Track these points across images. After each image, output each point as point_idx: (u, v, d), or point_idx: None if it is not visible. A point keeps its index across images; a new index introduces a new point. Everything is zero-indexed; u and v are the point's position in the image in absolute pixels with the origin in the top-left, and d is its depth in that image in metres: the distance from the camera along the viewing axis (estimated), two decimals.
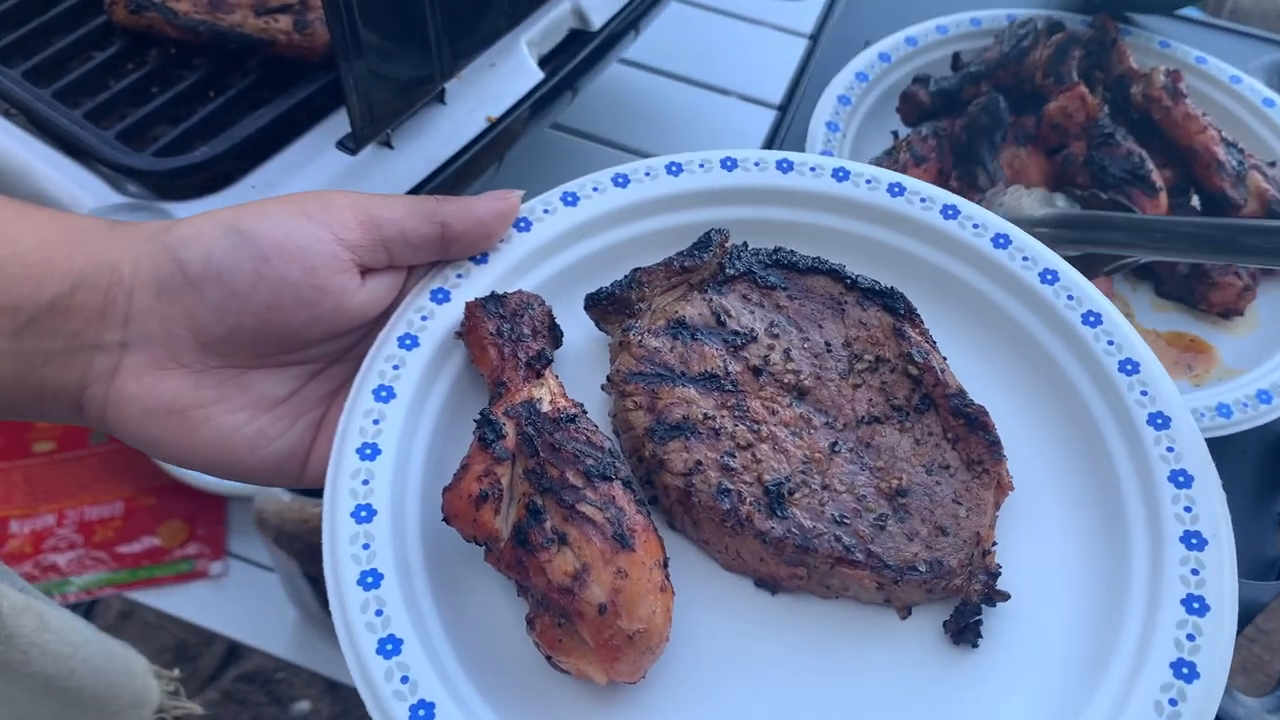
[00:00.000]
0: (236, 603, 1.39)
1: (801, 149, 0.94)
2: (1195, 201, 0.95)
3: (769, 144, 1.02)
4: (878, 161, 0.94)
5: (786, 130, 1.01)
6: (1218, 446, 0.60)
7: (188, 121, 0.74)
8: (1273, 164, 0.99)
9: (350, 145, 0.68)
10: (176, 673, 0.80)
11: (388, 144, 0.70)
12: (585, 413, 0.53)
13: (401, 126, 0.70)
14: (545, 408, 0.51)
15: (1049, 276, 0.58)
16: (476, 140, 0.74)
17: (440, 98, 0.72)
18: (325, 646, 1.34)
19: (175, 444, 0.51)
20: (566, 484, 0.48)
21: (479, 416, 0.52)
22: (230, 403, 0.52)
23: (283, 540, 1.18)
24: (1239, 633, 0.66)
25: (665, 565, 0.49)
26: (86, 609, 1.45)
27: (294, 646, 1.37)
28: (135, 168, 0.69)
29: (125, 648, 0.75)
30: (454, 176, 0.73)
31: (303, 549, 1.18)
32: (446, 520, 0.49)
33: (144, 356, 0.50)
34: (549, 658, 0.47)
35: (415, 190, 0.71)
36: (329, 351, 0.55)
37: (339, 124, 0.72)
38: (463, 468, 0.50)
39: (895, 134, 0.99)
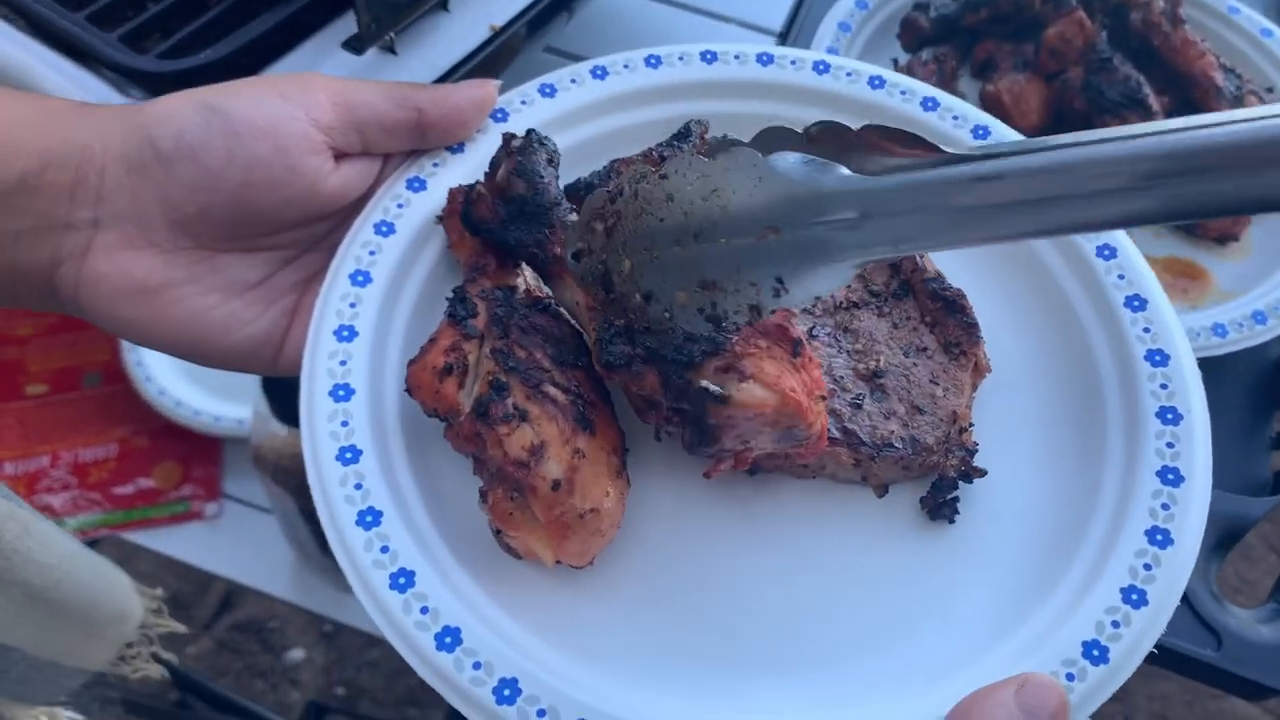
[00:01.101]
0: (232, 544, 1.39)
1: (831, 3, 0.93)
2: None
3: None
4: None
5: None
6: (1213, 368, 0.60)
7: (193, 24, 0.72)
8: (1270, 90, 0.99)
9: (355, 46, 0.67)
10: (160, 591, 0.79)
11: (391, 49, 0.69)
12: (556, 303, 0.53)
13: (405, 32, 0.69)
14: (519, 295, 0.51)
15: None
16: (479, 50, 0.72)
17: (444, 4, 0.71)
18: (323, 587, 1.35)
19: (147, 323, 0.51)
20: (533, 365, 0.48)
21: (452, 293, 0.52)
22: (202, 284, 0.52)
23: (280, 476, 1.18)
24: (1229, 549, 0.67)
25: (624, 454, 0.49)
26: None
27: (290, 587, 1.37)
28: (139, 70, 0.67)
29: (108, 563, 0.75)
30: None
31: (299, 485, 1.18)
32: (409, 391, 0.49)
33: (115, 235, 0.50)
34: (498, 532, 0.47)
35: None
36: (302, 238, 0.55)
37: (344, 28, 0.71)
38: (430, 341, 0.50)
39: (895, 61, 0.98)
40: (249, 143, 0.50)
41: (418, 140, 0.56)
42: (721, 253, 0.43)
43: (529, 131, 0.53)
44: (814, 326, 0.54)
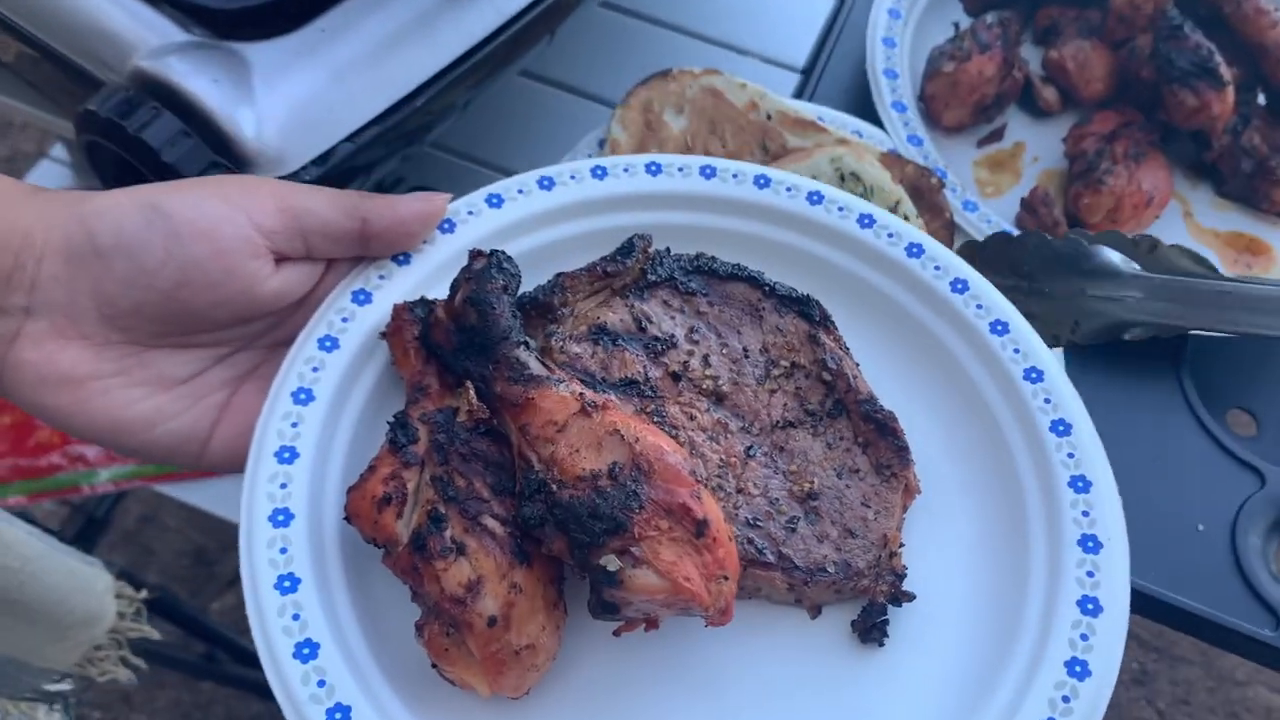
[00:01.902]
0: None
1: (862, 36, 0.94)
2: (1261, 99, 0.94)
3: (828, 29, 1.00)
4: (941, 50, 0.93)
5: (846, 16, 1.00)
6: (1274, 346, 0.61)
7: None
8: None
9: None
10: (142, 594, 0.78)
11: None
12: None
13: None
14: (462, 416, 0.52)
15: (959, 286, 0.60)
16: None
17: None
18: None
19: (68, 414, 0.51)
20: (472, 495, 0.49)
21: (393, 419, 0.52)
22: (128, 377, 0.52)
23: None
24: None
25: (561, 583, 0.49)
26: (108, 510, 1.42)
27: None
28: (203, 5, 0.66)
29: (88, 564, 0.74)
30: (510, 43, 0.71)
31: None
32: (348, 519, 0.49)
33: (46, 324, 0.50)
34: (435, 665, 0.48)
35: (482, 44, 0.69)
36: (237, 336, 0.55)
37: None
38: (370, 468, 0.50)
39: (956, 25, 0.97)
40: (188, 243, 0.51)
41: (362, 249, 0.57)
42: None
43: (492, 254, 0.54)
44: (751, 446, 0.55)
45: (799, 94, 0.95)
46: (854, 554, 0.52)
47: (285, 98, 0.62)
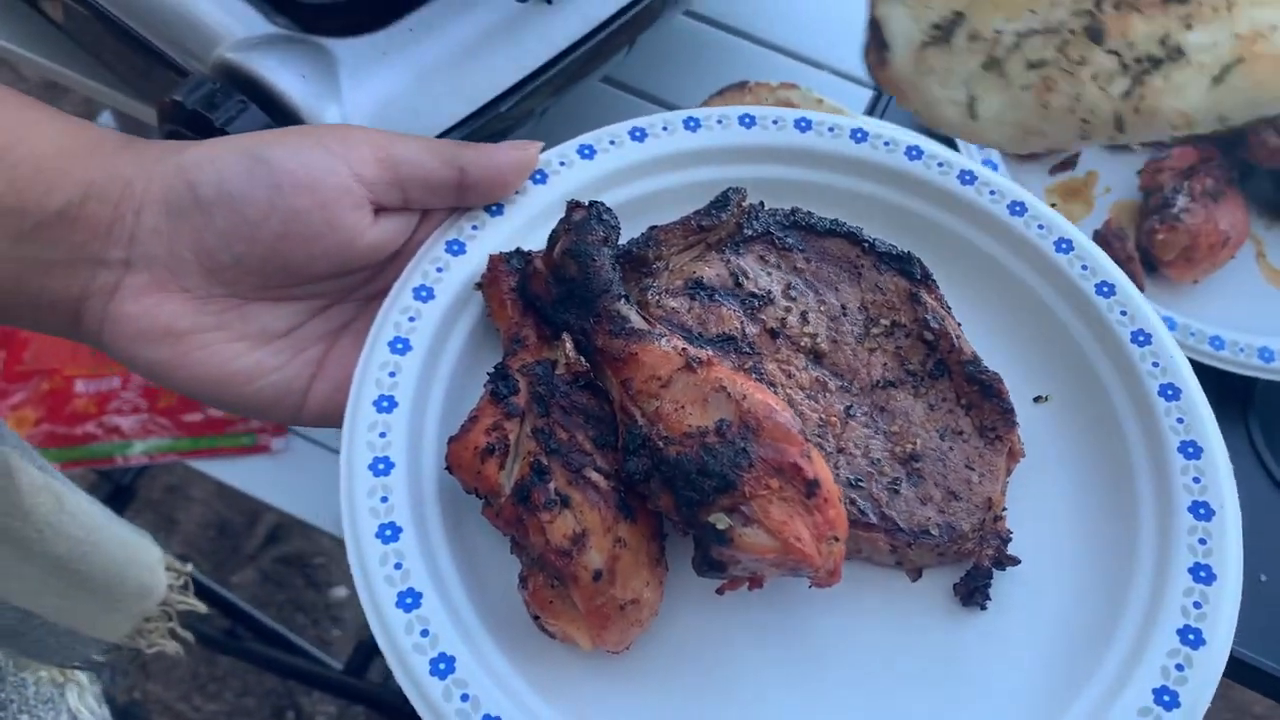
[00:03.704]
0: (293, 477, 1.38)
1: None
2: None
3: None
4: None
5: None
6: None
7: None
8: None
9: None
10: (189, 568, 0.79)
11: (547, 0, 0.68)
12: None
13: None
14: (560, 370, 0.51)
15: (1064, 245, 0.58)
16: (629, 6, 0.71)
17: None
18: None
19: (169, 368, 0.51)
20: (575, 447, 0.48)
21: (493, 370, 0.52)
22: (229, 331, 0.52)
23: None
24: None
25: (663, 539, 0.49)
26: (134, 478, 1.43)
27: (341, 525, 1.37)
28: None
29: (141, 536, 0.74)
30: (593, 51, 0.70)
31: None
32: (449, 469, 0.49)
33: (146, 277, 0.50)
34: (536, 618, 0.47)
35: (566, 52, 0.69)
36: (333, 289, 0.55)
37: None
38: (471, 419, 0.50)
39: None
40: (290, 195, 0.50)
41: (458, 199, 0.56)
42: None
43: (591, 205, 0.53)
44: (851, 405, 0.54)
45: (870, 110, 0.93)
46: (958, 517, 0.51)
47: (371, 97, 0.61)
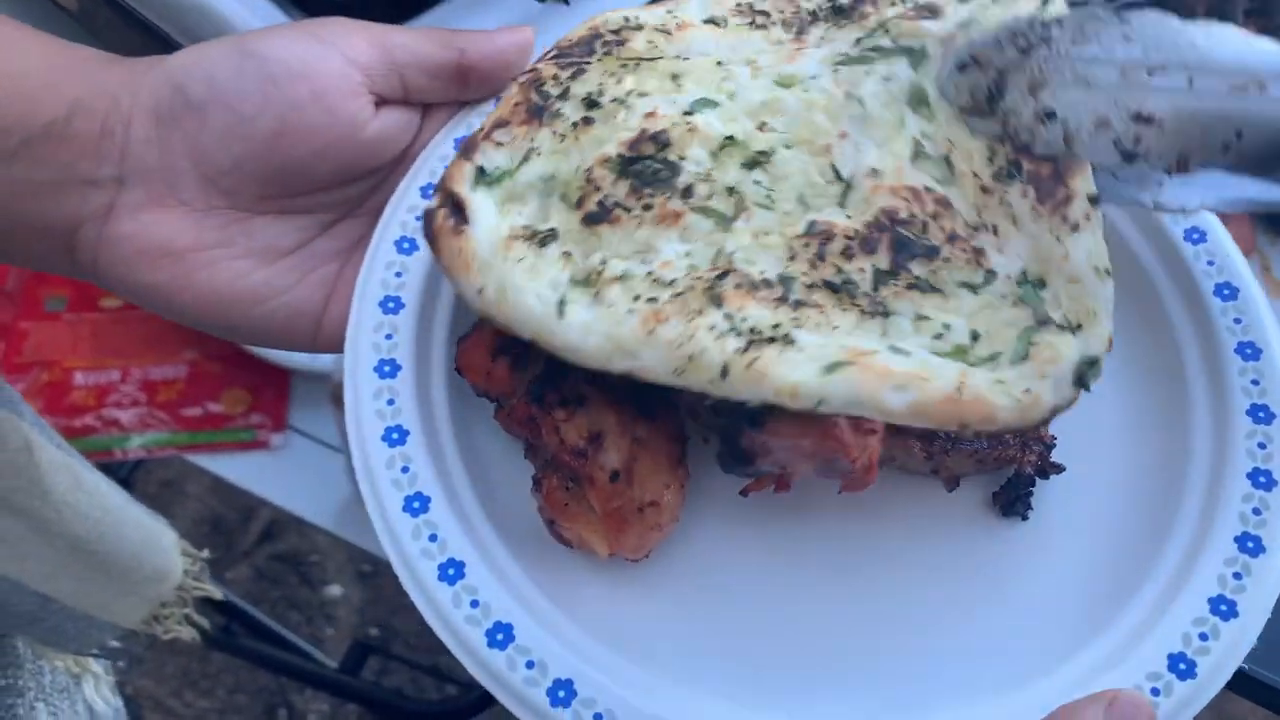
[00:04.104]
0: (289, 474, 1.37)
1: None
2: None
3: None
4: None
5: None
6: None
7: None
8: None
9: None
10: (205, 553, 0.77)
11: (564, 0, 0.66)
12: None
13: None
14: None
15: None
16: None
17: None
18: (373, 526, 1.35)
19: (170, 291, 0.48)
20: None
21: None
22: (233, 248, 0.49)
23: None
24: None
25: (684, 443, 0.46)
26: (129, 471, 1.44)
27: (340, 520, 1.36)
28: None
29: (156, 519, 0.73)
30: None
31: None
32: (459, 371, 0.47)
33: (141, 193, 0.47)
34: (551, 522, 0.45)
35: None
36: (339, 200, 0.52)
37: None
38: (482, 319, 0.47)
39: None
40: (285, 87, 0.47)
41: (459, 87, 0.53)
42: (1177, 92, 0.42)
43: None
44: None
45: None
46: None
47: None
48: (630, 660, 0.43)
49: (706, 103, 0.47)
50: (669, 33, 0.50)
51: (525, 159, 0.46)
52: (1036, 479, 0.48)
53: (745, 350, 0.39)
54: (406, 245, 0.50)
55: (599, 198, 0.44)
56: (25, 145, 0.45)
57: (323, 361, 1.34)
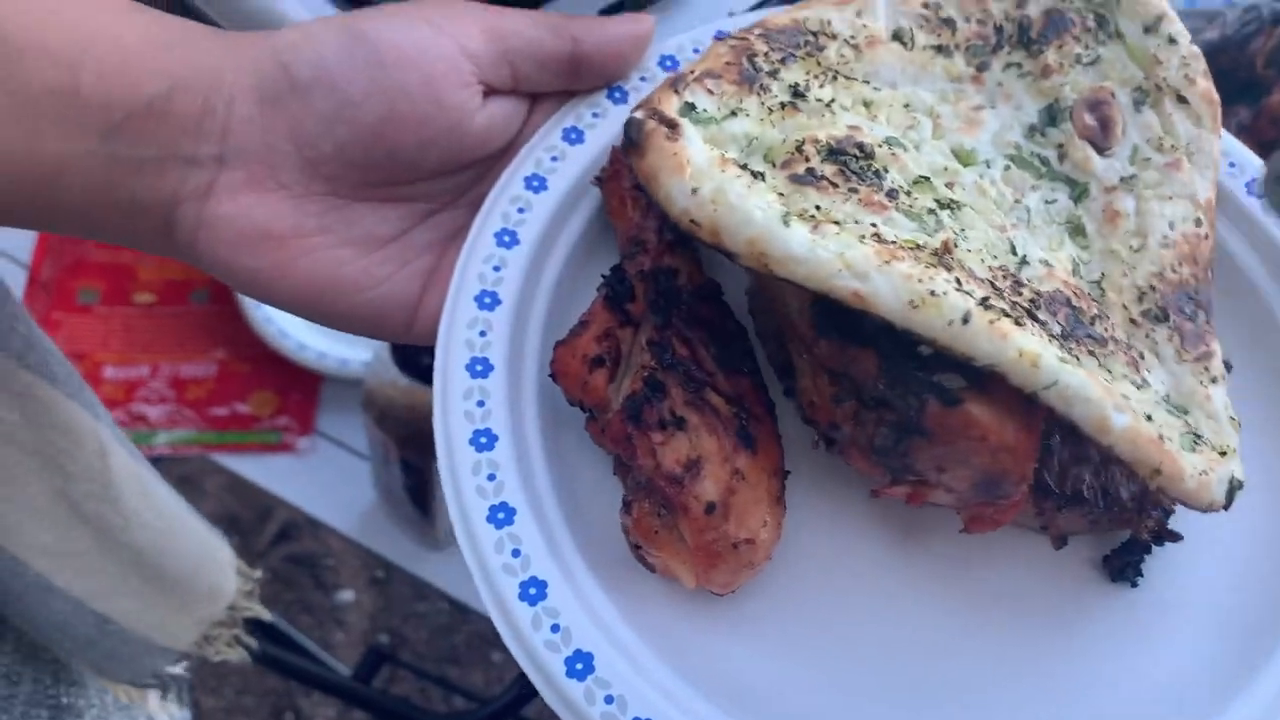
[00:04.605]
0: (313, 478, 1.39)
1: None
2: None
3: None
4: None
5: None
6: None
7: None
8: None
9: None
10: (258, 574, 0.76)
11: None
12: (723, 293, 0.47)
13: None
14: (682, 279, 0.46)
15: (1254, 187, 0.51)
16: None
17: None
18: (395, 535, 1.35)
19: (270, 275, 0.46)
20: (695, 364, 0.43)
21: (609, 272, 0.47)
22: (333, 235, 0.47)
23: (386, 423, 1.17)
24: None
25: (784, 476, 0.44)
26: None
27: (362, 526, 1.38)
28: None
29: (214, 533, 0.71)
30: None
31: (406, 434, 1.17)
32: (553, 377, 0.45)
33: (241, 174, 0.45)
34: (637, 547, 0.43)
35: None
36: (441, 190, 0.50)
37: None
38: (581, 324, 0.45)
39: None
40: (394, 72, 0.45)
41: (572, 77, 0.50)
42: None
43: None
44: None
45: None
46: (1116, 482, 0.46)
47: None
48: (714, 700, 0.41)
49: (897, 142, 0.46)
50: (859, 49, 0.49)
51: (732, 114, 0.44)
52: (1152, 545, 0.46)
53: (985, 308, 0.38)
54: (507, 239, 0.48)
55: (807, 166, 0.43)
56: (127, 120, 0.44)
57: (353, 367, 1.36)
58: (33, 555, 0.58)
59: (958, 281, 0.38)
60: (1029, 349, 0.37)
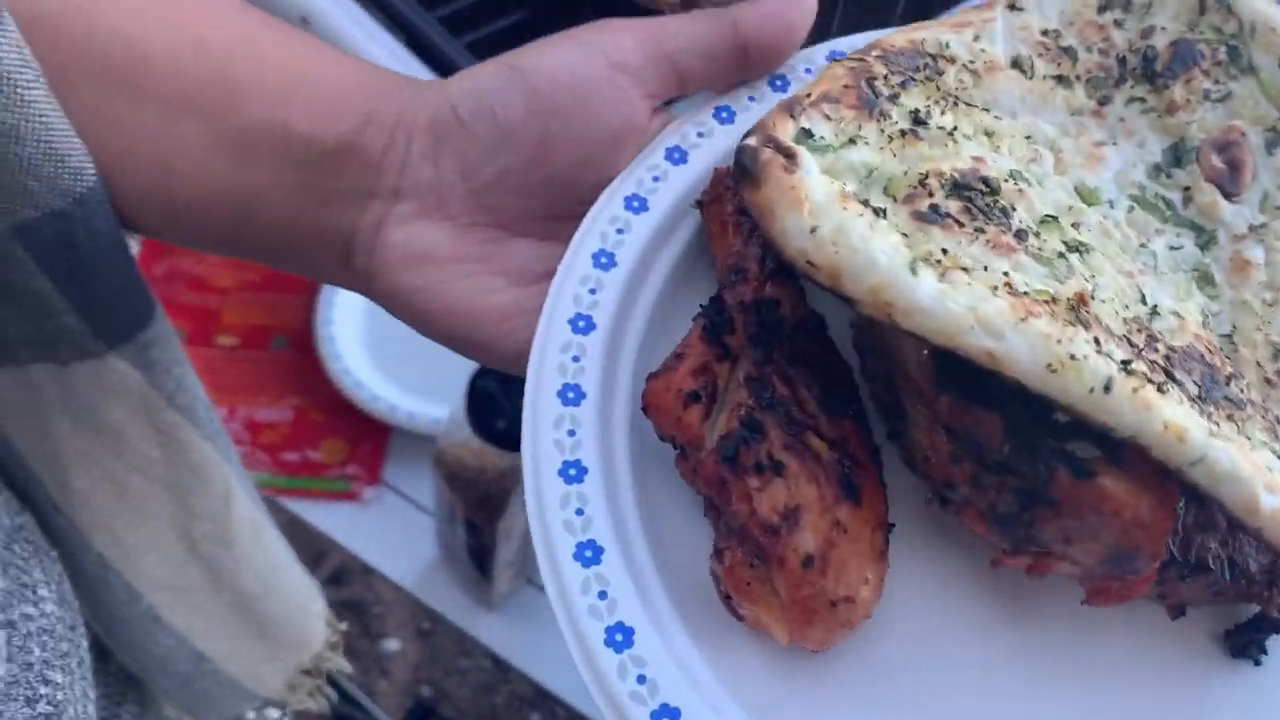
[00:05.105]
0: (376, 528, 1.41)
1: None
2: None
3: None
4: None
5: None
6: None
7: None
8: None
9: None
10: (344, 626, 0.76)
11: None
12: (827, 328, 0.45)
13: None
14: (784, 311, 0.44)
15: None
16: None
17: None
18: (446, 588, 1.37)
19: (427, 295, 0.47)
20: (796, 405, 0.41)
21: (707, 303, 0.45)
22: (489, 264, 0.48)
23: (455, 482, 1.18)
24: None
25: (888, 531, 0.41)
26: None
27: (420, 582, 1.39)
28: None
29: (312, 584, 0.72)
30: None
31: (474, 497, 1.18)
32: (645, 410, 0.43)
33: (413, 205, 0.47)
34: (728, 597, 0.41)
35: None
36: None
37: None
38: (676, 356, 0.43)
39: None
40: (546, 96, 0.46)
41: (739, 64, 0.49)
42: None
43: None
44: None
45: None
46: (1244, 553, 0.42)
47: None
48: None
49: (1021, 177, 0.43)
50: (978, 74, 0.46)
51: (850, 141, 0.42)
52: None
53: (1128, 374, 0.35)
54: (604, 260, 0.46)
55: (930, 202, 0.40)
56: (324, 155, 0.46)
57: (422, 421, 1.37)
58: (148, 587, 0.59)
59: (1097, 342, 0.36)
60: (1175, 422, 0.34)
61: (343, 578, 1.45)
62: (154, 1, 0.47)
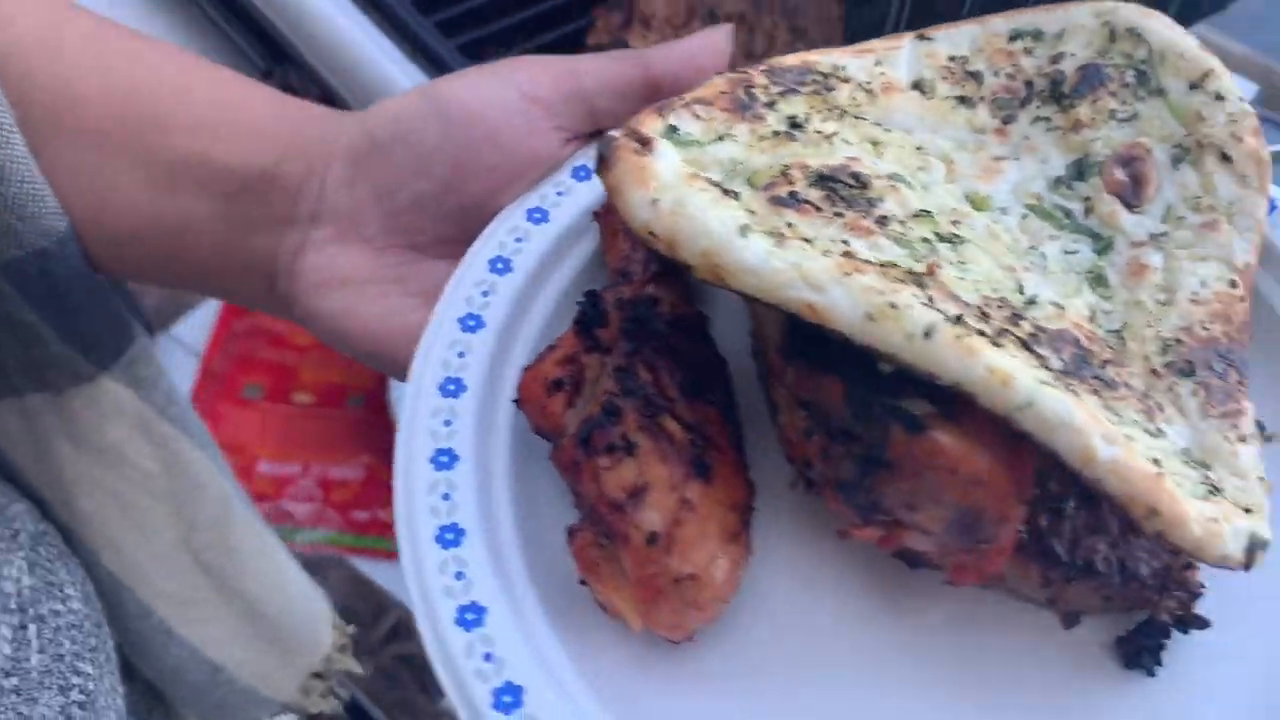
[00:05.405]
0: None
1: None
2: None
3: None
4: None
5: None
6: None
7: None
8: None
9: None
10: (352, 629, 0.77)
11: None
12: (709, 326, 0.45)
13: None
14: (663, 309, 0.44)
15: None
16: None
17: None
18: None
19: (339, 316, 0.49)
20: (656, 390, 0.41)
21: (584, 297, 0.45)
22: (405, 285, 0.49)
23: None
24: None
25: (747, 514, 0.41)
26: None
27: None
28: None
29: (316, 589, 0.74)
30: None
31: None
32: (517, 401, 0.43)
33: (330, 229, 0.49)
34: (583, 581, 0.40)
35: None
36: None
37: None
38: (549, 348, 0.44)
39: None
40: (460, 126, 0.48)
41: (653, 101, 0.50)
42: None
43: None
44: None
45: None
46: (1136, 556, 0.41)
47: None
48: None
49: (901, 179, 0.44)
50: (873, 94, 0.47)
51: (719, 139, 0.43)
52: (1173, 630, 0.40)
53: (955, 324, 0.35)
54: (500, 265, 0.47)
55: (790, 189, 0.41)
56: (245, 187, 0.48)
57: None
58: (158, 601, 0.61)
59: (929, 299, 0.36)
60: (1000, 367, 0.34)
61: (401, 632, 1.44)
62: (91, 48, 0.50)
